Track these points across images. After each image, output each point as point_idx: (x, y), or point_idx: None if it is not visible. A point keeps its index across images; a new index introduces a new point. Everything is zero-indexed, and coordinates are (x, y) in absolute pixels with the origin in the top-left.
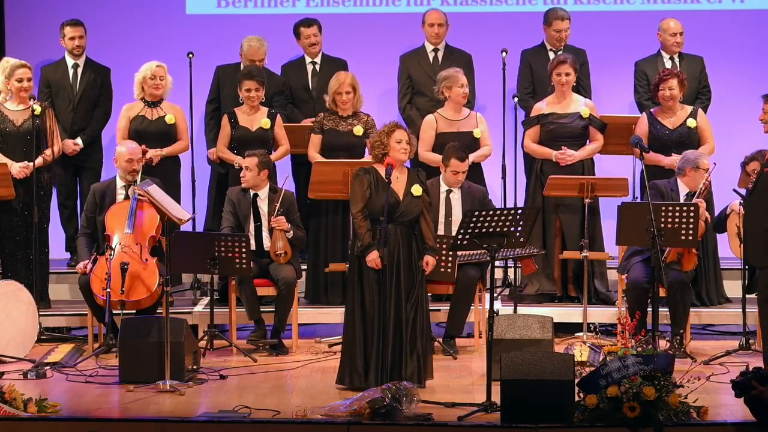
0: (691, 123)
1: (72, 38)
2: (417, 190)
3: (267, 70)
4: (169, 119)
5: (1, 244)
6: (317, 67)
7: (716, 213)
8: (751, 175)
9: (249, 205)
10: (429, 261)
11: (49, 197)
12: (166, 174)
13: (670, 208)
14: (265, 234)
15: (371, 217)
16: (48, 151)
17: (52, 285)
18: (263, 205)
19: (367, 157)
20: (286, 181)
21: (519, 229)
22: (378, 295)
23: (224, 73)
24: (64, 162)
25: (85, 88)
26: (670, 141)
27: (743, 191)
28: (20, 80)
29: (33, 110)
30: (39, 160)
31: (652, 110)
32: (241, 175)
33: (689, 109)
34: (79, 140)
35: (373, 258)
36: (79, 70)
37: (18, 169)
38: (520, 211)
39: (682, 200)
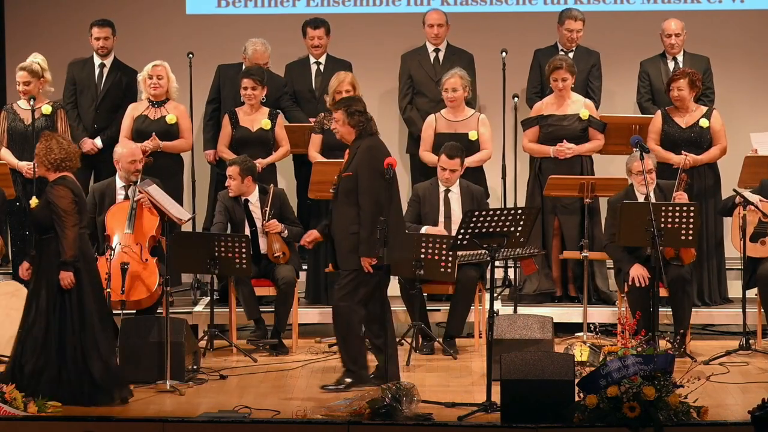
0: (704, 123)
1: (98, 39)
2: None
3: (269, 71)
4: (170, 119)
5: (13, 243)
6: (321, 67)
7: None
8: None
9: (242, 211)
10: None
11: None
12: (168, 174)
13: (670, 208)
14: (261, 237)
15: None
16: None
17: None
18: (256, 210)
19: None
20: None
21: (519, 228)
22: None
23: (225, 73)
24: (82, 160)
25: (110, 88)
26: (682, 139)
27: (743, 191)
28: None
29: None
30: None
31: (667, 108)
32: (226, 183)
33: (704, 109)
34: (98, 141)
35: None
36: (105, 70)
37: (25, 169)
38: (520, 211)
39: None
